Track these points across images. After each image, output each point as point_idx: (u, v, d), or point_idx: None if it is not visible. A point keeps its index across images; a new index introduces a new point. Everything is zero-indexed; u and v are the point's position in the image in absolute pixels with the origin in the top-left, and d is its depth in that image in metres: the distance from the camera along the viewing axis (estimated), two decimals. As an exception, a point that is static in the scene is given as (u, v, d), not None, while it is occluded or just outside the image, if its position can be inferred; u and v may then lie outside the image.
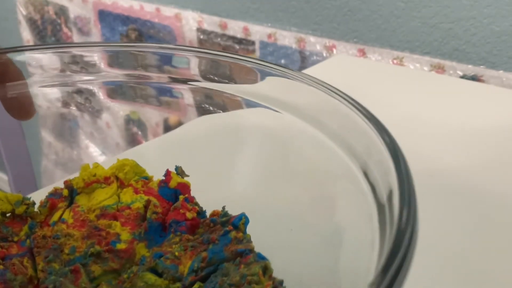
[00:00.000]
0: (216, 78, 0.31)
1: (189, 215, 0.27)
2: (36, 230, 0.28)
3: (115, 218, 0.28)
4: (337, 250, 0.25)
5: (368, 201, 0.21)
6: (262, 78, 0.30)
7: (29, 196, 0.30)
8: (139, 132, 0.38)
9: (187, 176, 0.30)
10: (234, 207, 0.28)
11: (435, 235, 0.33)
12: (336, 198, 0.27)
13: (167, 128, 0.36)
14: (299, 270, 0.26)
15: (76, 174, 0.31)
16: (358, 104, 0.24)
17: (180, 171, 0.30)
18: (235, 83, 0.31)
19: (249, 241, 0.26)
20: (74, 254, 0.26)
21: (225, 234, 0.26)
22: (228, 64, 0.31)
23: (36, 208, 0.29)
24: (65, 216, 0.29)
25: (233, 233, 0.26)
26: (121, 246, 0.26)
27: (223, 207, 0.28)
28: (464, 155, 0.43)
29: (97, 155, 0.38)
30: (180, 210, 0.28)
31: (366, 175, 0.22)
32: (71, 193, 0.30)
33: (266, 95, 0.30)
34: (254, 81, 0.30)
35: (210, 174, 0.32)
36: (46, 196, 0.30)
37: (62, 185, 0.31)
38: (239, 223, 0.27)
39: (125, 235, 0.27)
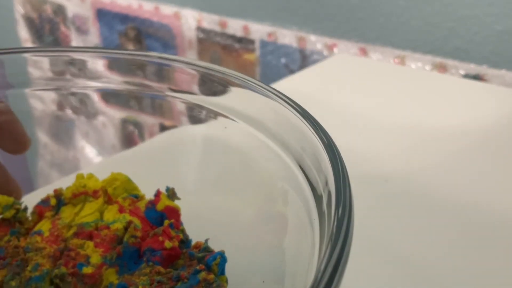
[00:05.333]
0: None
1: (167, 244, 0.25)
2: (11, 239, 0.26)
3: (90, 237, 0.26)
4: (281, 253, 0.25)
5: (307, 198, 0.21)
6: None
7: (26, 197, 0.29)
8: (136, 131, 0.37)
9: (178, 199, 0.28)
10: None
11: (436, 231, 0.33)
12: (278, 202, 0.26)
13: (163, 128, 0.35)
14: (245, 270, 0.25)
15: (72, 176, 0.30)
16: (295, 103, 0.23)
17: (170, 193, 0.28)
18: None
19: (220, 285, 0.23)
20: (35, 273, 0.24)
21: (195, 273, 0.24)
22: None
23: (29, 213, 0.28)
24: (44, 227, 0.27)
25: (202, 274, 0.23)
26: (87, 270, 0.24)
27: (206, 240, 0.26)
28: (466, 154, 0.42)
29: (93, 156, 0.37)
30: (159, 238, 0.25)
31: (303, 172, 0.22)
32: (58, 202, 0.28)
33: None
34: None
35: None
36: (36, 204, 0.29)
37: (58, 186, 0.30)
38: (212, 263, 0.24)
39: (96, 258, 0.25)
